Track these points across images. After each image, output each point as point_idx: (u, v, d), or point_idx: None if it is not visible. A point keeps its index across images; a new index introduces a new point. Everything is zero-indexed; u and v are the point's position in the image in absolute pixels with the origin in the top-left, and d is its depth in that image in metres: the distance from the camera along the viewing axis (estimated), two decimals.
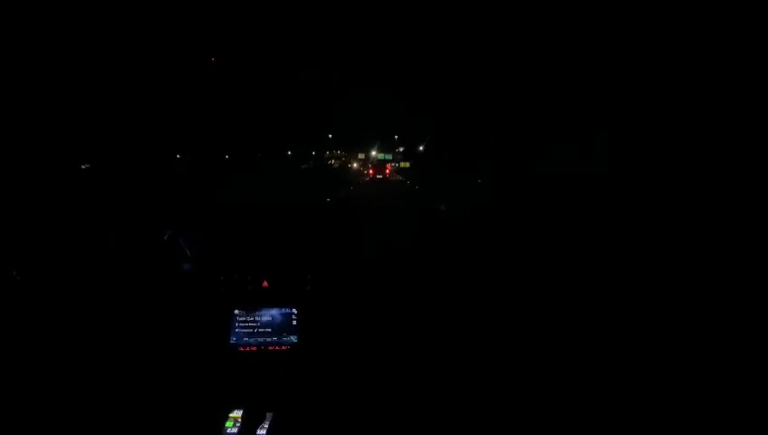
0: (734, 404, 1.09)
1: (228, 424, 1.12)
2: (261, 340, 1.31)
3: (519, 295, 1.47)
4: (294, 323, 1.33)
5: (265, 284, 1.37)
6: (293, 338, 1.32)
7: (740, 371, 1.15)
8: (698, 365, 1.19)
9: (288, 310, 1.33)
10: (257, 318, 1.32)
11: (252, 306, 1.33)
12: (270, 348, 1.31)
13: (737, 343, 1.21)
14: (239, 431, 1.11)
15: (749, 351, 1.18)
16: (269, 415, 1.14)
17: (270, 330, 1.32)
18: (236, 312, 1.32)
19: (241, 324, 1.32)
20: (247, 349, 1.30)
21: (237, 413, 1.14)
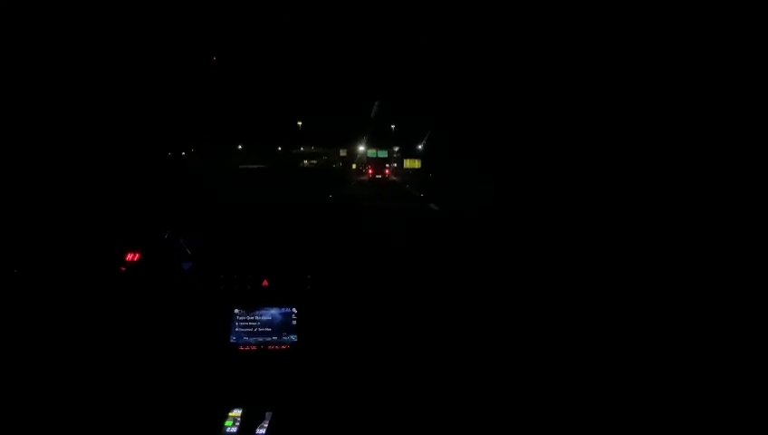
0: (734, 404, 1.10)
1: (228, 423, 1.13)
2: (261, 339, 1.31)
3: (519, 295, 1.47)
4: (294, 322, 1.33)
5: (265, 283, 1.37)
6: (293, 337, 1.32)
7: (740, 371, 1.16)
8: (699, 366, 1.20)
9: (288, 309, 1.34)
10: (257, 317, 1.32)
11: (252, 306, 1.33)
12: (270, 347, 1.31)
13: (737, 343, 1.22)
14: (239, 431, 1.11)
15: (749, 351, 1.19)
16: (268, 414, 1.14)
17: (270, 329, 1.32)
18: (236, 311, 1.33)
19: (241, 324, 1.32)
20: (247, 348, 1.30)
21: (237, 412, 1.15)
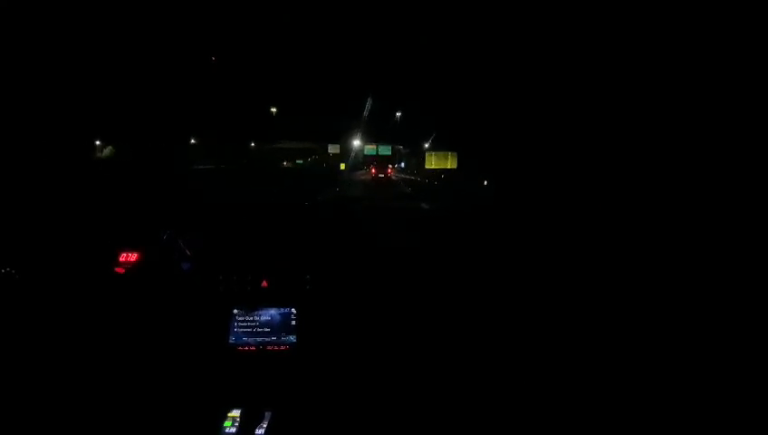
0: (734, 404, 1.09)
1: (227, 424, 1.13)
2: (260, 339, 1.31)
3: (519, 295, 1.47)
4: (293, 322, 1.33)
5: (265, 283, 1.37)
6: (292, 338, 1.32)
7: (740, 371, 1.15)
8: (699, 366, 1.19)
9: (287, 310, 1.34)
10: (256, 318, 1.33)
11: (251, 306, 1.33)
12: (269, 348, 1.31)
13: (737, 343, 1.21)
14: (238, 431, 1.11)
15: (749, 351, 1.18)
16: (267, 415, 1.14)
17: (269, 330, 1.32)
18: (236, 311, 1.33)
19: (240, 324, 1.32)
20: (246, 348, 1.31)
21: (236, 413, 1.15)
